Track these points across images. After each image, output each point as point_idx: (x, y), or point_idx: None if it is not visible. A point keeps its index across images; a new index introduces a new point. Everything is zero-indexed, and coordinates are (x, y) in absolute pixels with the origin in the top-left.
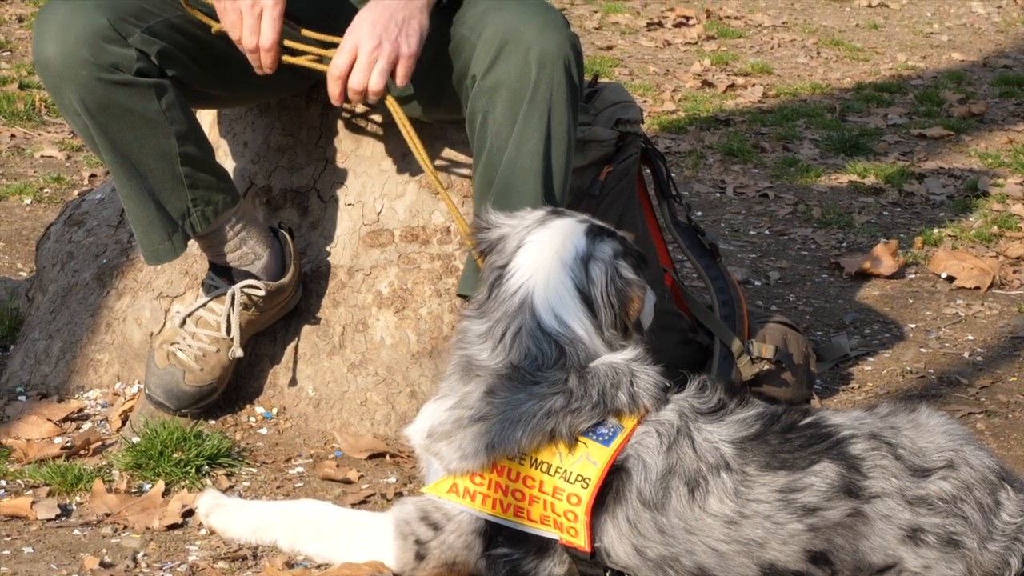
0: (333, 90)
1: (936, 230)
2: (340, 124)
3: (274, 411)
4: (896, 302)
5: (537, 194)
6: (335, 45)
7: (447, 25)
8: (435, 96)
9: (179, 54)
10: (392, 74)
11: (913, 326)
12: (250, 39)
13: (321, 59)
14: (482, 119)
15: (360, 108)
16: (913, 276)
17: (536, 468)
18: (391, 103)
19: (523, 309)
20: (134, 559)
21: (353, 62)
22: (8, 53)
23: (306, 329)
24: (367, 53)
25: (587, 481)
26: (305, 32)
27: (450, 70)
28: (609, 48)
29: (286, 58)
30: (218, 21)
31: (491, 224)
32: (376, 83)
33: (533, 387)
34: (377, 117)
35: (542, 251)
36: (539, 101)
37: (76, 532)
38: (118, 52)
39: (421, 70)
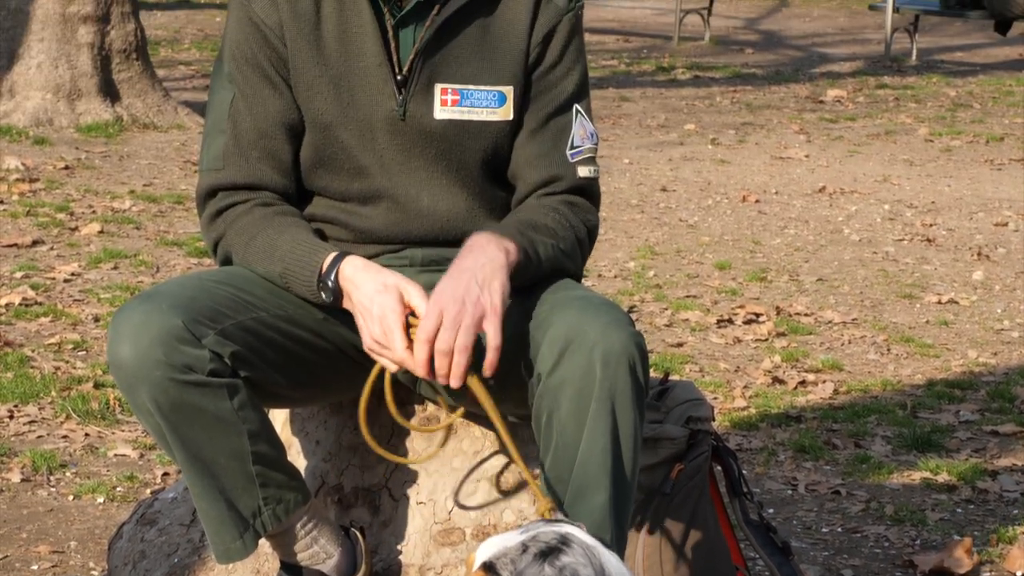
0: (420, 354)
1: (1011, 528)
2: (412, 423)
3: None
4: None
5: (608, 497)
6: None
7: (515, 320)
8: (501, 391)
9: (252, 356)
10: (478, 353)
11: None
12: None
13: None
14: (547, 418)
15: (443, 407)
16: (988, 574)
17: None
18: (474, 383)
19: None
20: None
21: (439, 328)
22: (84, 352)
23: None
24: (452, 317)
25: None
26: None
27: (517, 367)
28: (679, 345)
29: None
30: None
31: None
32: (464, 338)
33: None
34: (446, 416)
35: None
36: (604, 400)
37: None
38: (192, 353)
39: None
